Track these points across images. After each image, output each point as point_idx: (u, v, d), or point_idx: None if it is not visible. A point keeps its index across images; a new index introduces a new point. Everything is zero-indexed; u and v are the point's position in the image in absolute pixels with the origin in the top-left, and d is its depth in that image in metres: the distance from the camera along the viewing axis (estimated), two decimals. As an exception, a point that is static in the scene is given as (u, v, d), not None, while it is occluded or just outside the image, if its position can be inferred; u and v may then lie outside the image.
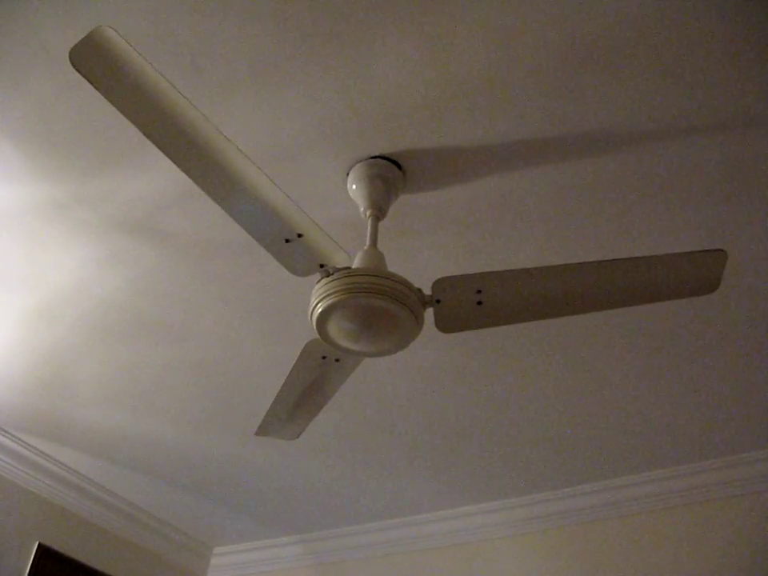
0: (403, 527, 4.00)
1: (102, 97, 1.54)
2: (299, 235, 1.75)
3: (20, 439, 3.52)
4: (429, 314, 1.93)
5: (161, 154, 2.00)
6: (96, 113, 2.00)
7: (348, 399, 3.06)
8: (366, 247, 1.95)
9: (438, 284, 1.82)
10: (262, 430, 2.39)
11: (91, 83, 1.50)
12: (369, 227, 2.01)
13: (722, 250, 1.78)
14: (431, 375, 2.94)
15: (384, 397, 3.08)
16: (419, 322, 1.83)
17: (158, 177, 2.18)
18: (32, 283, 2.60)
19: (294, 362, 2.13)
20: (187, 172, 1.64)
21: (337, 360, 2.10)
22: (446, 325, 1.89)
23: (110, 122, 2.01)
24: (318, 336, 1.93)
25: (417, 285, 1.85)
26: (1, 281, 2.60)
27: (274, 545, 4.32)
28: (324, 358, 2.07)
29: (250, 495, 3.89)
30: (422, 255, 2.38)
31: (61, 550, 3.66)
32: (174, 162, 1.63)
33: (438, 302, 1.84)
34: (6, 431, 3.46)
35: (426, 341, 2.69)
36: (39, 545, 3.56)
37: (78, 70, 1.48)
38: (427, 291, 1.86)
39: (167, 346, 2.88)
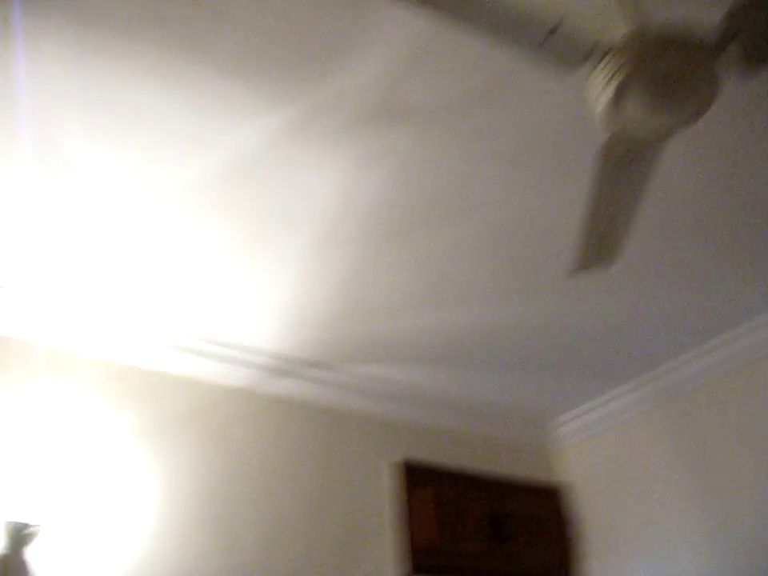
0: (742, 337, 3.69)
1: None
2: (555, 28, 1.56)
3: (343, 370, 3.74)
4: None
5: (373, 31, 1.92)
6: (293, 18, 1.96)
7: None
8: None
9: (731, 14, 1.54)
10: (578, 266, 2.26)
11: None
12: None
13: None
14: (731, 157, 2.59)
15: (677, 197, 2.73)
16: (717, 72, 1.57)
17: (380, 50, 2.09)
18: (305, 214, 2.68)
19: (583, 197, 1.97)
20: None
21: (633, 159, 1.91)
22: (757, 59, 1.60)
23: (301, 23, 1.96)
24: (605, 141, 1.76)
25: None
26: (278, 218, 2.70)
27: (612, 398, 4.21)
28: (621, 159, 1.89)
29: (576, 354, 3.77)
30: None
31: (420, 460, 3.89)
32: None
33: (735, 36, 1.57)
34: (326, 365, 3.68)
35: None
36: (399, 461, 3.81)
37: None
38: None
39: (449, 228, 2.82)
